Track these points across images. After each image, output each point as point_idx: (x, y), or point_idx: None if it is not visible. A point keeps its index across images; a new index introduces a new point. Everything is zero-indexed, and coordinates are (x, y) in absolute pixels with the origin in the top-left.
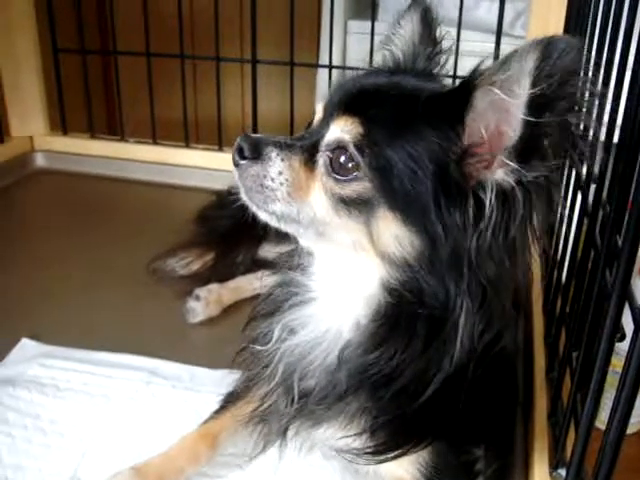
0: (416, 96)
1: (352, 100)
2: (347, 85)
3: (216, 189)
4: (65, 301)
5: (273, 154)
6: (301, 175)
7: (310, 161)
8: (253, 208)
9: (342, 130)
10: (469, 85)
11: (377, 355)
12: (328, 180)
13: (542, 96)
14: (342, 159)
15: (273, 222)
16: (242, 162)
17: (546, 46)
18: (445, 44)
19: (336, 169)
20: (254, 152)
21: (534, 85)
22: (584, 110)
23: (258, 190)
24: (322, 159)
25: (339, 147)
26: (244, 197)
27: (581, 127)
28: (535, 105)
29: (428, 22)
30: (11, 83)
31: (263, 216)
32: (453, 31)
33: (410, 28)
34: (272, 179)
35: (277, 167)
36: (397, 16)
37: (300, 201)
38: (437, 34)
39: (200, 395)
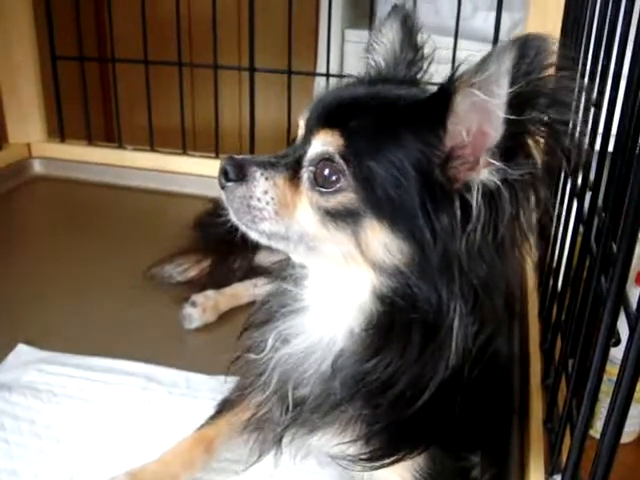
0: (396, 104)
1: (331, 113)
2: (326, 99)
3: (213, 196)
4: (62, 307)
5: (257, 174)
6: (286, 192)
7: (295, 177)
8: (243, 228)
9: (324, 144)
10: (449, 89)
11: (373, 364)
12: (313, 194)
13: (522, 94)
14: (326, 172)
15: (263, 240)
16: (228, 184)
17: (522, 44)
18: (427, 50)
19: (320, 182)
20: (238, 174)
21: (513, 83)
22: (566, 106)
23: (245, 211)
24: (306, 174)
25: (324, 159)
26: (233, 218)
27: (567, 124)
28: (515, 103)
29: (408, 28)
30: (9, 89)
31: (253, 235)
32: (450, 40)
33: (391, 35)
34: (258, 199)
35: (262, 187)
36: (378, 24)
37: (288, 218)
38: (418, 40)
39: (196, 401)
